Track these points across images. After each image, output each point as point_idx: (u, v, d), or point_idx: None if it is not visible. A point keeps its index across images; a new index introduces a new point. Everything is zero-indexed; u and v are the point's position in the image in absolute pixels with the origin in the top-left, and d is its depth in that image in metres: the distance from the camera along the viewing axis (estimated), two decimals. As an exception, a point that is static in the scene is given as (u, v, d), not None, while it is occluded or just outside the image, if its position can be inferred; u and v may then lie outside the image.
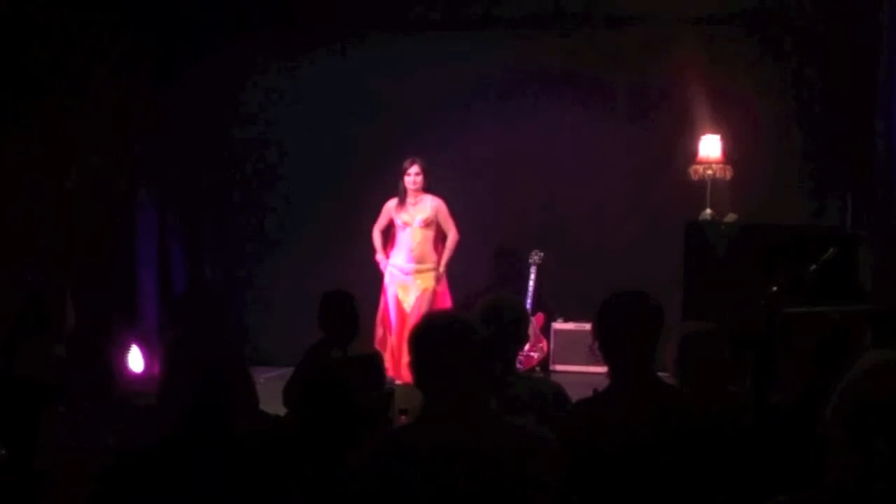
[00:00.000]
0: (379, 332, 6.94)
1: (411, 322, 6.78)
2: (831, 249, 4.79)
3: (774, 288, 4.67)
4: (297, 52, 8.25)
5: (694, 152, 6.76)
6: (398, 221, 6.99)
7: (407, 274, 6.94)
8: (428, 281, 6.95)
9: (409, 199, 6.96)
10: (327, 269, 7.52)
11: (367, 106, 7.97)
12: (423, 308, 6.84)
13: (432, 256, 7.00)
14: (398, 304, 6.95)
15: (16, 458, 3.35)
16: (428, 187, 6.97)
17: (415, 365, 2.39)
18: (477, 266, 7.72)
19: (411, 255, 6.94)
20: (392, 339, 6.89)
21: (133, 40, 7.58)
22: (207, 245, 8.55)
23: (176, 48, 8.06)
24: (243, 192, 8.44)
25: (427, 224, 6.95)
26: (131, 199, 7.84)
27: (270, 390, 4.53)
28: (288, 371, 4.82)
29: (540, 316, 7.60)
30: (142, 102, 7.68)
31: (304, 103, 8.20)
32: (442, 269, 7.03)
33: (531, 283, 7.60)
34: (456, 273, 7.33)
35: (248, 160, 8.40)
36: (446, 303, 7.04)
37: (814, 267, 4.72)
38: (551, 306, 7.83)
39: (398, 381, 6.49)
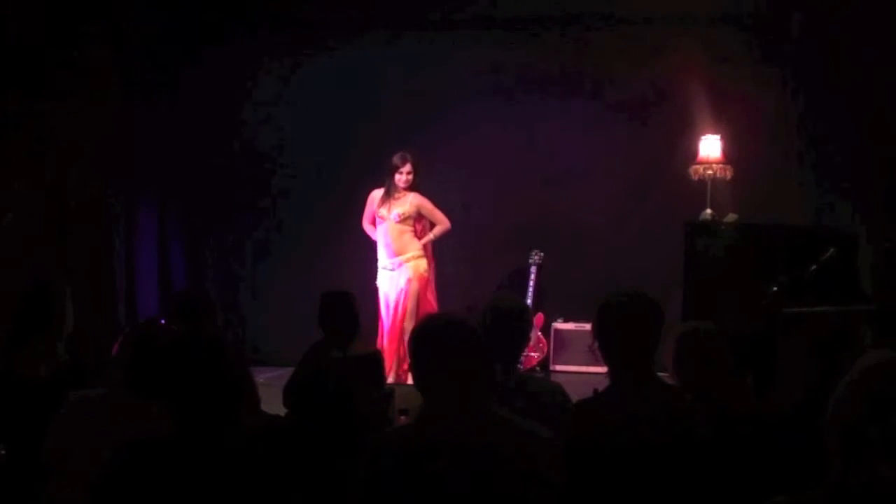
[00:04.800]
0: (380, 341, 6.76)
1: (398, 318, 6.73)
2: (831, 249, 4.79)
3: (774, 288, 4.68)
4: (298, 52, 8.25)
5: (694, 152, 6.76)
6: (377, 216, 6.88)
7: (393, 269, 6.82)
8: (416, 268, 6.77)
9: (393, 194, 6.82)
10: (327, 268, 7.51)
11: (367, 106, 7.97)
12: (407, 301, 6.72)
13: (415, 245, 6.83)
14: (386, 301, 6.84)
15: (16, 457, 3.36)
16: (417, 184, 6.83)
17: (415, 366, 2.39)
18: (477, 266, 7.72)
19: (391, 251, 6.82)
20: (383, 341, 6.75)
21: (133, 40, 7.59)
22: (207, 245, 8.55)
23: (176, 48, 8.06)
24: (243, 192, 8.44)
25: (403, 219, 6.78)
26: (131, 199, 7.84)
27: (270, 390, 4.54)
28: (288, 371, 4.82)
29: (540, 316, 7.60)
30: (143, 103, 7.69)
31: (305, 103, 8.20)
32: (423, 241, 6.85)
33: (531, 283, 7.60)
34: (455, 273, 7.32)
35: (249, 160, 8.40)
36: (433, 294, 6.92)
37: (814, 267, 4.73)
38: (551, 306, 7.82)
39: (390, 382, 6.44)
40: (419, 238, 6.89)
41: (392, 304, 6.83)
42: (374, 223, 6.97)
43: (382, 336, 6.81)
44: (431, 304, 6.86)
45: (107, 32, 7.21)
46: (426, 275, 6.85)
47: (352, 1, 8.06)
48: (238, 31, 8.17)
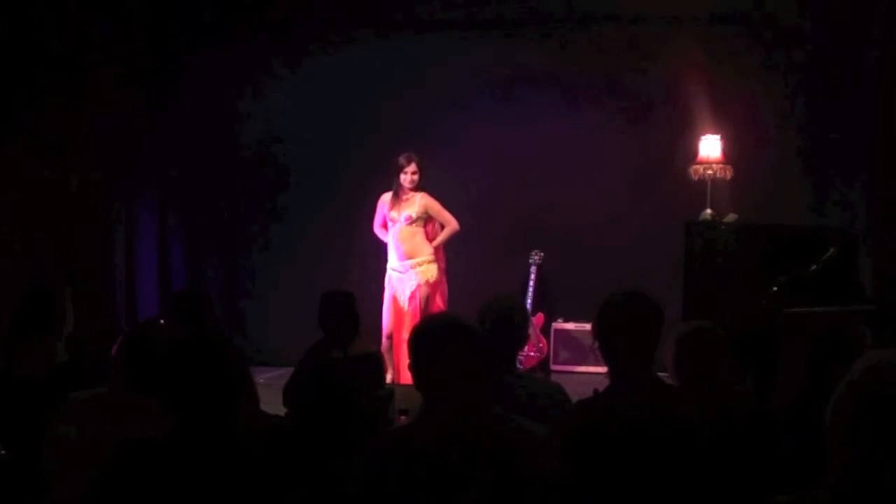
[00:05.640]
0: (384, 342, 6.70)
1: (408, 321, 6.72)
2: (831, 249, 4.79)
3: (774, 288, 4.68)
4: (297, 52, 8.25)
5: (694, 152, 6.76)
6: (388, 218, 6.85)
7: (403, 272, 6.81)
8: (426, 273, 6.75)
9: (401, 196, 6.79)
10: (327, 268, 7.51)
11: (367, 106, 7.97)
12: (419, 305, 6.70)
13: (426, 249, 6.80)
14: (395, 303, 6.80)
15: (16, 457, 3.36)
16: (424, 185, 6.80)
17: (414, 366, 2.38)
18: (477, 266, 7.71)
19: (402, 253, 6.78)
20: (385, 342, 6.70)
21: (133, 40, 7.59)
22: (207, 245, 8.55)
23: (176, 48, 8.06)
24: (243, 192, 8.44)
25: (412, 221, 6.74)
26: (131, 199, 7.84)
27: (270, 390, 4.54)
28: (288, 371, 4.82)
29: (540, 316, 7.59)
30: (142, 103, 7.69)
31: (305, 103, 8.20)
32: (435, 243, 6.81)
33: (531, 283, 7.60)
34: (456, 273, 7.31)
35: (248, 160, 8.40)
36: (443, 297, 6.88)
37: (814, 267, 4.73)
38: (551, 306, 7.82)
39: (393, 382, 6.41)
40: (430, 240, 6.87)
41: (397, 305, 6.80)
42: (385, 227, 6.93)
43: (383, 336, 6.76)
44: (441, 308, 6.78)
45: (107, 33, 7.22)
46: (434, 280, 6.81)
47: (352, 1, 8.06)
48: (238, 31, 8.16)
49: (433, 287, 6.81)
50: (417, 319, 6.56)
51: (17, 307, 3.90)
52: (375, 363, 4.73)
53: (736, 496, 2.60)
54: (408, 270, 6.78)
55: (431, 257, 6.82)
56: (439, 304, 6.83)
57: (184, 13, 7.95)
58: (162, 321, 3.63)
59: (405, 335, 6.63)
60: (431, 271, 6.80)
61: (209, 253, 8.55)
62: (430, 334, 2.39)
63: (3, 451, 3.33)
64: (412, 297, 6.76)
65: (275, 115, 8.34)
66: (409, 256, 6.78)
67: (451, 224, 6.87)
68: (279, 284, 8.18)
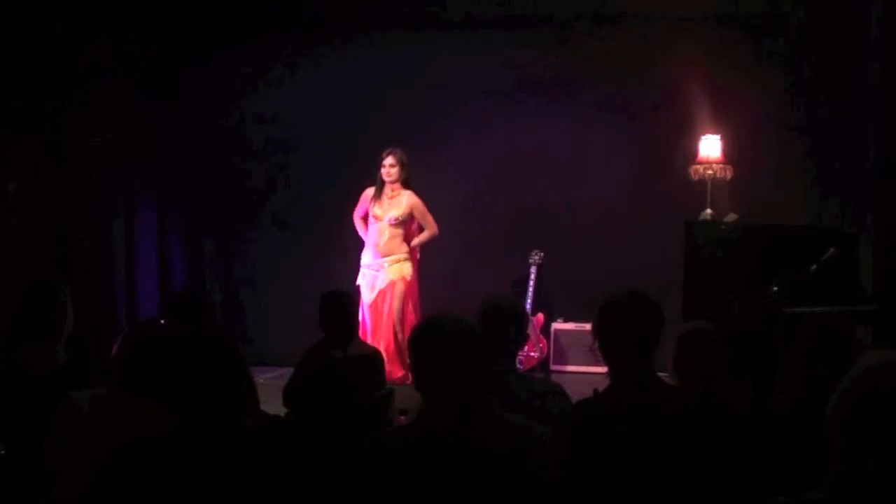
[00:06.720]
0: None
1: (384, 320, 6.68)
2: (831, 249, 4.79)
3: (774, 288, 4.68)
4: (298, 52, 8.26)
5: (694, 152, 6.76)
6: (370, 214, 6.85)
7: (376, 270, 6.79)
8: (396, 272, 6.75)
9: (386, 192, 6.80)
10: (327, 268, 7.51)
11: (368, 106, 7.97)
12: (393, 301, 6.69)
13: (401, 249, 6.80)
14: (364, 301, 6.77)
15: (16, 457, 3.36)
16: (406, 181, 6.81)
17: (414, 366, 2.39)
18: (476, 266, 7.72)
19: (377, 251, 6.79)
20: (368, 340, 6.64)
21: (136, 38, 7.59)
22: (207, 245, 8.55)
23: (177, 48, 8.07)
24: (243, 192, 8.44)
25: (397, 223, 6.76)
26: (131, 197, 7.84)
27: (270, 390, 4.54)
28: (288, 371, 4.83)
29: (540, 316, 7.59)
30: (143, 101, 7.69)
31: (305, 103, 8.20)
32: (413, 244, 6.82)
33: (531, 283, 7.60)
34: (455, 273, 7.31)
35: (248, 160, 8.40)
36: (412, 296, 6.83)
37: (814, 267, 4.73)
38: (551, 306, 7.82)
39: None
40: (409, 242, 6.86)
41: (370, 305, 6.77)
42: (365, 219, 6.95)
43: (366, 337, 6.67)
44: (410, 313, 6.76)
45: (107, 32, 7.21)
46: (409, 277, 6.80)
47: (352, 1, 8.06)
48: (238, 30, 8.17)
49: (407, 284, 6.78)
50: (394, 317, 6.61)
51: (17, 307, 3.90)
52: (375, 363, 4.73)
53: (735, 496, 2.60)
54: (381, 269, 6.77)
55: (406, 255, 6.81)
56: (409, 308, 6.79)
57: (186, 11, 7.95)
58: (162, 321, 3.62)
59: (392, 333, 6.64)
60: (406, 268, 6.79)
61: (209, 253, 8.55)
62: (430, 334, 2.39)
63: (2, 451, 3.33)
64: (386, 294, 6.74)
65: (275, 115, 8.34)
66: (384, 254, 6.78)
67: (432, 228, 6.88)
68: (279, 284, 8.18)
